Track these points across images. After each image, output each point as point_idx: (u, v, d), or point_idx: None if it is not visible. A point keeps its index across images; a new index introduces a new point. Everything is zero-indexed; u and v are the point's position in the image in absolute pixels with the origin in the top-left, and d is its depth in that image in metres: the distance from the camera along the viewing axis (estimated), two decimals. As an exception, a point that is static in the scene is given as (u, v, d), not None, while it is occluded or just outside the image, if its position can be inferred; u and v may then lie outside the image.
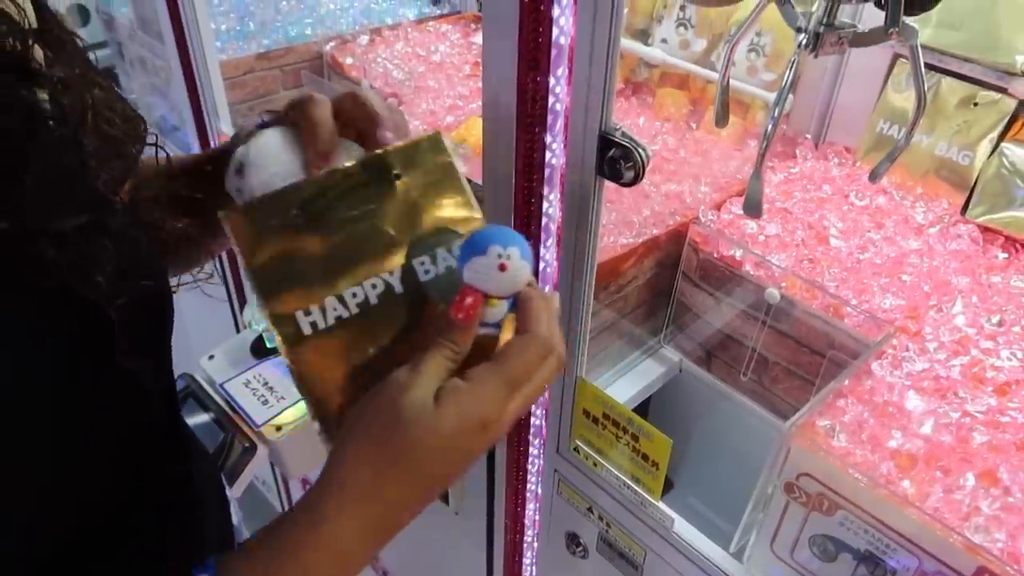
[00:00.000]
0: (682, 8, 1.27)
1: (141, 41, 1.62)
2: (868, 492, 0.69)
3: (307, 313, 0.47)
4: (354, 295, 0.48)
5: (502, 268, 0.45)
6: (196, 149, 1.52)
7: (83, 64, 0.53)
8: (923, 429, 0.76)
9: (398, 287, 0.49)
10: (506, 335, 0.48)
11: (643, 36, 1.36)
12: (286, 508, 1.95)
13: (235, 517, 0.77)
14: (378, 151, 0.50)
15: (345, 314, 0.47)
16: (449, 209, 0.51)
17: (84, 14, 2.09)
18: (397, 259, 0.49)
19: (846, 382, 0.81)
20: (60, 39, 0.49)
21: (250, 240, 0.47)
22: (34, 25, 0.45)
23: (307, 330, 0.47)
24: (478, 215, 0.51)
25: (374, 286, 0.48)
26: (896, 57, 1.14)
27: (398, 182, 0.50)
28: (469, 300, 0.46)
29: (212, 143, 1.49)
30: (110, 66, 1.86)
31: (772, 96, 1.19)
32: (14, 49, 0.42)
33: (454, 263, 0.49)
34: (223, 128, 1.47)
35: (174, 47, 1.38)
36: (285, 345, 0.46)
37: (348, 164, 0.50)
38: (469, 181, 0.54)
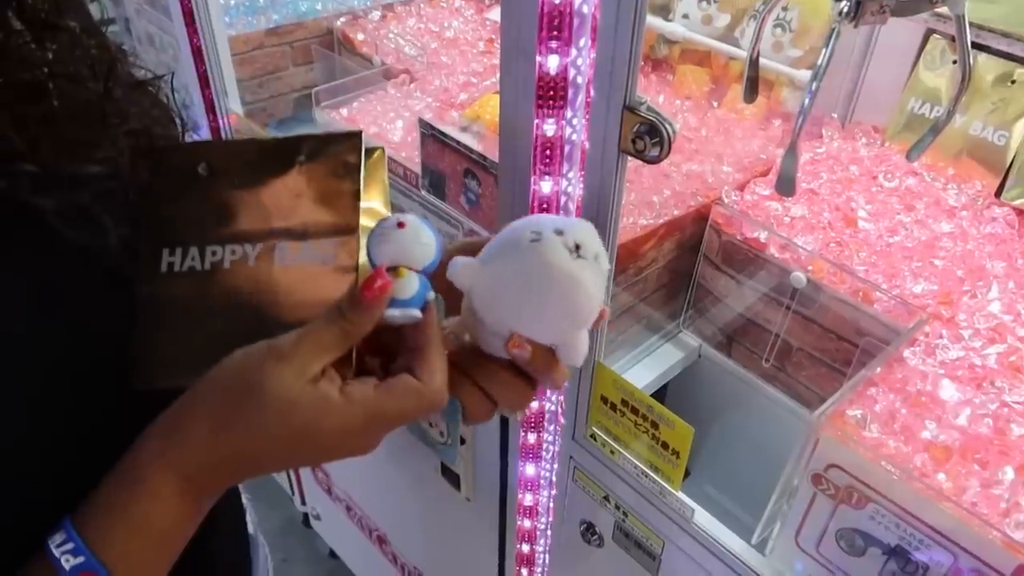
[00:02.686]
0: (705, -18, 1.23)
1: (149, 17, 1.59)
2: (901, 485, 0.66)
3: (171, 253, 0.49)
4: (213, 253, 0.49)
5: (400, 226, 0.45)
6: (205, 127, 1.49)
7: (91, 19, 0.52)
8: (959, 420, 0.73)
9: (251, 260, 0.49)
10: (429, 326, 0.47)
11: (663, 11, 1.32)
12: (294, 487, 1.94)
13: (251, 526, 0.75)
14: (296, 135, 0.51)
15: (198, 267, 0.49)
16: (326, 213, 0.50)
17: (92, -11, 2.07)
18: (263, 237, 0.50)
19: (878, 370, 0.78)
20: None
21: (162, 176, 0.50)
22: None
23: (163, 268, 0.49)
24: (354, 231, 0.50)
25: (233, 252, 0.49)
26: (929, 33, 1.10)
27: (296, 168, 0.51)
28: (379, 282, 0.44)
29: (221, 121, 1.46)
30: (119, 43, 1.83)
31: (798, 73, 1.15)
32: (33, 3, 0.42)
33: (311, 261, 0.50)
34: (232, 106, 1.44)
35: (182, 22, 1.35)
36: (141, 270, 0.49)
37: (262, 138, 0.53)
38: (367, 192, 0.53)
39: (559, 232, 0.46)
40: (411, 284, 0.46)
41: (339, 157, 0.51)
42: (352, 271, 0.49)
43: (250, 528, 0.77)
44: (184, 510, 0.44)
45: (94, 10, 0.54)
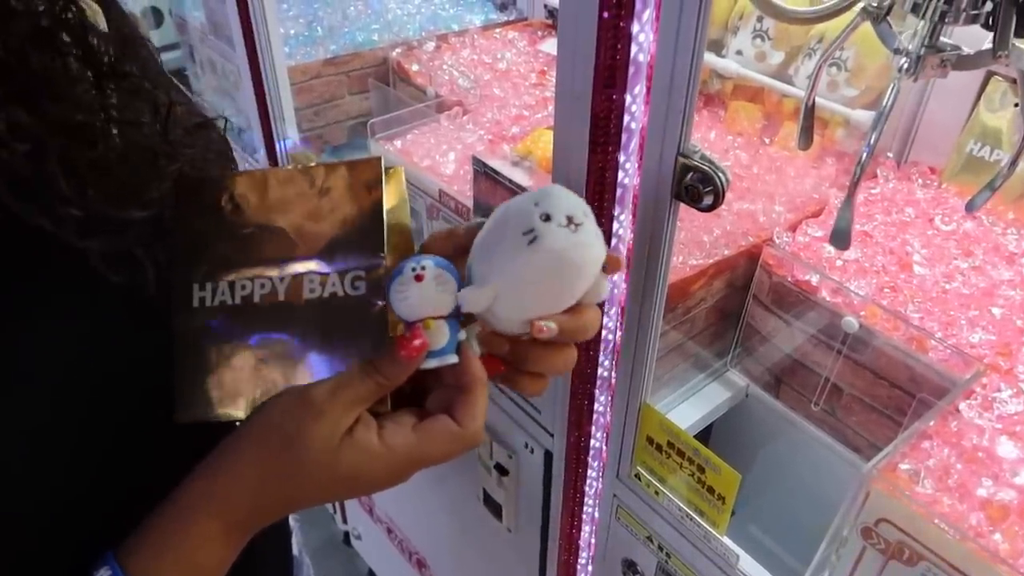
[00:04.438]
0: (759, 19, 1.23)
1: (212, 44, 1.64)
2: (955, 545, 0.65)
3: (201, 288, 0.49)
4: (243, 287, 0.50)
5: (418, 279, 0.45)
6: (262, 152, 1.53)
7: (154, 64, 0.54)
8: (1017, 479, 0.71)
9: (281, 295, 0.50)
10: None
11: (716, 47, 1.32)
12: (336, 507, 1.96)
13: (295, 547, 0.77)
14: (317, 164, 0.52)
15: (228, 301, 0.49)
16: (350, 243, 0.51)
17: (158, 16, 2.14)
18: (291, 267, 0.51)
19: (931, 423, 0.76)
20: (130, 38, 0.51)
21: (189, 209, 0.50)
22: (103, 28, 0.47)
23: (195, 303, 0.49)
24: (380, 258, 0.50)
25: (262, 285, 0.50)
26: (990, 75, 1.08)
27: (319, 197, 0.51)
28: (417, 341, 0.45)
29: (278, 147, 1.50)
30: (181, 68, 1.90)
31: (853, 113, 1.14)
32: (97, 52, 0.44)
33: (340, 291, 0.50)
34: (289, 132, 1.48)
35: (244, 51, 1.40)
36: (174, 307, 0.49)
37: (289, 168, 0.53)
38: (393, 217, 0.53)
39: (546, 217, 0.44)
40: (442, 333, 0.47)
41: (360, 185, 0.51)
42: (381, 300, 0.50)
43: (295, 549, 0.78)
44: (228, 549, 0.45)
45: (156, 36, 0.56)
